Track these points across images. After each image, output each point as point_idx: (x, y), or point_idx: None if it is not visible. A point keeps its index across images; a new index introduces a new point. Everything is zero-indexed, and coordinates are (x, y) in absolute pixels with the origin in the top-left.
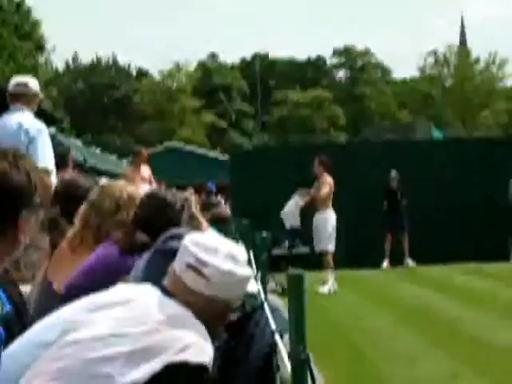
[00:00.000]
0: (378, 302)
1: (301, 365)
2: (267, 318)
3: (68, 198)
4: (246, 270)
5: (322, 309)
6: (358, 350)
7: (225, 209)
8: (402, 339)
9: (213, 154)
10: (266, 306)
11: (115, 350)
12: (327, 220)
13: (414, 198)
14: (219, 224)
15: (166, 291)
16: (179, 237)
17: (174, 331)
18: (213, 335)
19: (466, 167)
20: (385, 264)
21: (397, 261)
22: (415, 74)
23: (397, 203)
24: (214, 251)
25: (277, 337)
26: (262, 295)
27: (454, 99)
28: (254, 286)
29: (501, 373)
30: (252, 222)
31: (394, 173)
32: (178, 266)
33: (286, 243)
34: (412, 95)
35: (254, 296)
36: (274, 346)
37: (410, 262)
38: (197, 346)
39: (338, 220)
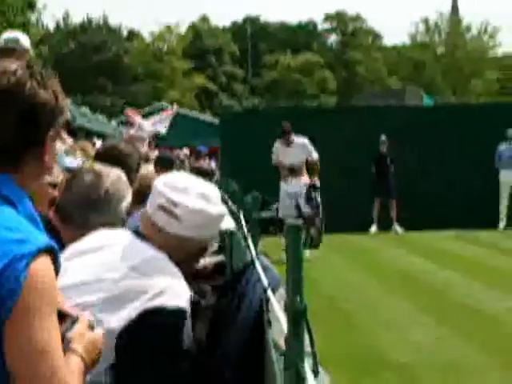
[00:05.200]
0: (366, 268)
1: (298, 316)
2: (258, 276)
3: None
4: (218, 208)
5: (308, 274)
6: (346, 316)
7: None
8: (391, 305)
9: (205, 117)
10: (256, 263)
11: (88, 299)
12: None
13: (403, 164)
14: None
15: (140, 235)
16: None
17: (147, 276)
18: (187, 276)
19: (455, 134)
20: (373, 229)
21: (385, 227)
22: (406, 40)
23: (386, 168)
24: (185, 191)
25: (269, 292)
26: (254, 253)
27: (445, 67)
28: (229, 223)
29: (487, 338)
30: (242, 184)
31: (383, 137)
32: (149, 208)
33: (275, 206)
34: (403, 62)
35: (232, 232)
36: (265, 302)
37: (398, 228)
38: (172, 290)
39: (328, 185)
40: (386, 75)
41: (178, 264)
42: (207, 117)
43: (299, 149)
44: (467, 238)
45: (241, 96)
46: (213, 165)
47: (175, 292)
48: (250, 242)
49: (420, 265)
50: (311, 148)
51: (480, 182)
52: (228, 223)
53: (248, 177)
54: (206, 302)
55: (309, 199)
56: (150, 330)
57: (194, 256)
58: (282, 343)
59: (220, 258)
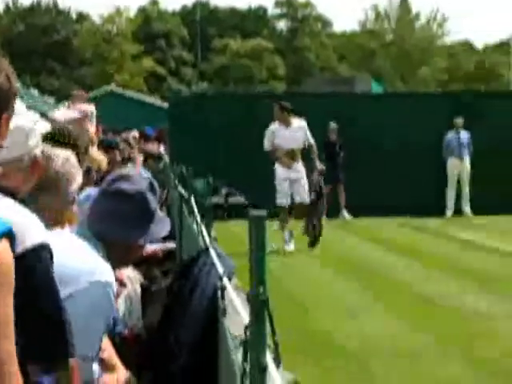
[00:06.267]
0: (316, 255)
1: (261, 306)
2: (212, 263)
3: None
4: (28, 118)
5: None
6: (296, 303)
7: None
8: (341, 292)
9: (152, 100)
10: (211, 250)
11: None
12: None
13: (352, 151)
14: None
15: None
16: (127, 178)
17: None
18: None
19: (403, 121)
20: None
21: (333, 213)
22: (356, 27)
23: (335, 155)
24: None
25: (225, 280)
26: (208, 241)
27: (394, 54)
28: (44, 125)
29: (436, 325)
30: (190, 169)
31: (332, 124)
32: None
33: (223, 192)
34: (352, 49)
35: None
36: (219, 290)
37: (346, 214)
38: (26, 230)
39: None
40: (336, 62)
41: (21, 185)
42: (153, 100)
43: (299, 131)
44: (415, 226)
45: (190, 80)
46: (161, 148)
47: (28, 231)
48: (203, 228)
49: (369, 251)
50: (309, 133)
51: (427, 170)
52: (43, 126)
53: (196, 161)
54: (157, 286)
55: (317, 187)
56: (23, 282)
57: (30, 173)
58: (238, 331)
59: (171, 245)
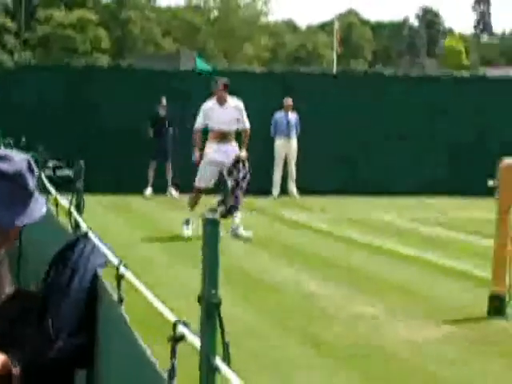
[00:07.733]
0: (147, 231)
1: (213, 308)
2: (93, 248)
3: None
4: None
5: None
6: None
7: None
8: (175, 268)
9: None
10: (91, 235)
11: None
12: None
13: (180, 127)
14: None
15: None
16: (4, 158)
17: None
18: None
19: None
20: (148, 191)
21: (160, 189)
22: (181, 2)
23: (164, 131)
24: None
25: (122, 269)
26: (83, 225)
27: (218, 31)
28: None
29: (270, 305)
30: (16, 142)
31: (164, 100)
32: None
33: (51, 165)
34: (177, 24)
35: None
36: (116, 279)
37: (173, 192)
38: None
39: (102, 146)
40: (160, 37)
41: None
42: None
43: (234, 112)
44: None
45: (12, 49)
46: None
47: None
48: (73, 210)
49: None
50: (245, 115)
51: (255, 150)
52: None
53: (22, 134)
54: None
55: (235, 172)
56: None
57: None
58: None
59: None
